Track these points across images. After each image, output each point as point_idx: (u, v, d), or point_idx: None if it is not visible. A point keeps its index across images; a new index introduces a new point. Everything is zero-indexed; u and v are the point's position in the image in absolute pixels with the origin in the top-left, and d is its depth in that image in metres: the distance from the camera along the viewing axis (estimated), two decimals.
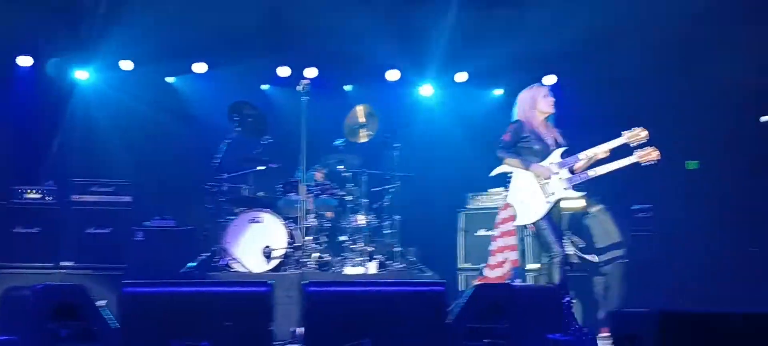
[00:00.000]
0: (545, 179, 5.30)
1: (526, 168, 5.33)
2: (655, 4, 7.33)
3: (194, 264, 6.75)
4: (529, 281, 6.46)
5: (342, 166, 7.21)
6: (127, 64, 8.30)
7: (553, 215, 5.28)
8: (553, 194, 5.28)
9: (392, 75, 8.71)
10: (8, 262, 6.81)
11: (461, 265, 7.31)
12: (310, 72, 8.34)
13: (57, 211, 7.08)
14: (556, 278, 5.14)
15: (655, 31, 7.51)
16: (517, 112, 5.50)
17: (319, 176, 7.36)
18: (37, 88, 8.09)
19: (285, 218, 6.82)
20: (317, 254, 6.67)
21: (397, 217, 7.36)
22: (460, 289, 7.00)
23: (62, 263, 6.91)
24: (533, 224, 5.30)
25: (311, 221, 6.74)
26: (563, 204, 5.34)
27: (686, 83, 7.84)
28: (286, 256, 6.62)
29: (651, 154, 5.28)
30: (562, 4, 7.39)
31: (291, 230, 6.79)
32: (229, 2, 7.55)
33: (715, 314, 3.58)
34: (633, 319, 3.82)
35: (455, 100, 8.94)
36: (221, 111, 7.37)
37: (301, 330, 4.45)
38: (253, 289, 4.54)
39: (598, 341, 5.19)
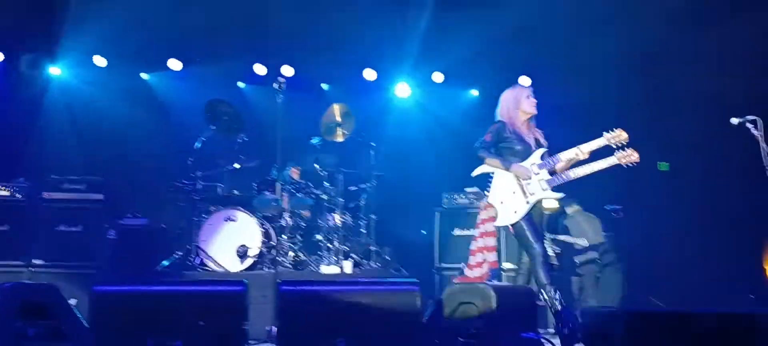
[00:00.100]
0: (526, 179, 5.32)
1: (507, 168, 5.34)
2: (628, 6, 7.42)
3: (168, 263, 6.69)
4: (505, 281, 6.49)
5: (318, 166, 7.19)
6: (100, 61, 8.20)
7: (534, 216, 5.30)
8: (533, 194, 5.29)
9: (369, 74, 8.71)
10: None
11: (437, 264, 7.32)
12: (287, 70, 8.31)
13: (27, 208, 6.95)
14: (542, 278, 5.13)
15: (627, 33, 7.61)
16: (500, 113, 5.49)
17: (295, 173, 7.30)
18: (9, 83, 7.96)
19: (260, 217, 6.79)
20: (292, 253, 6.64)
21: (373, 216, 7.37)
22: (435, 288, 7.02)
23: (34, 261, 6.80)
24: (513, 224, 5.32)
25: (287, 219, 6.71)
26: (544, 204, 5.37)
27: (658, 85, 7.94)
28: (261, 255, 6.59)
29: (631, 156, 5.27)
30: (537, 4, 7.44)
31: (266, 228, 6.76)
32: None
33: (681, 313, 3.65)
34: (602, 318, 3.87)
35: (431, 100, 8.96)
36: (197, 109, 7.30)
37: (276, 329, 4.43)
38: (228, 288, 4.50)
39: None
